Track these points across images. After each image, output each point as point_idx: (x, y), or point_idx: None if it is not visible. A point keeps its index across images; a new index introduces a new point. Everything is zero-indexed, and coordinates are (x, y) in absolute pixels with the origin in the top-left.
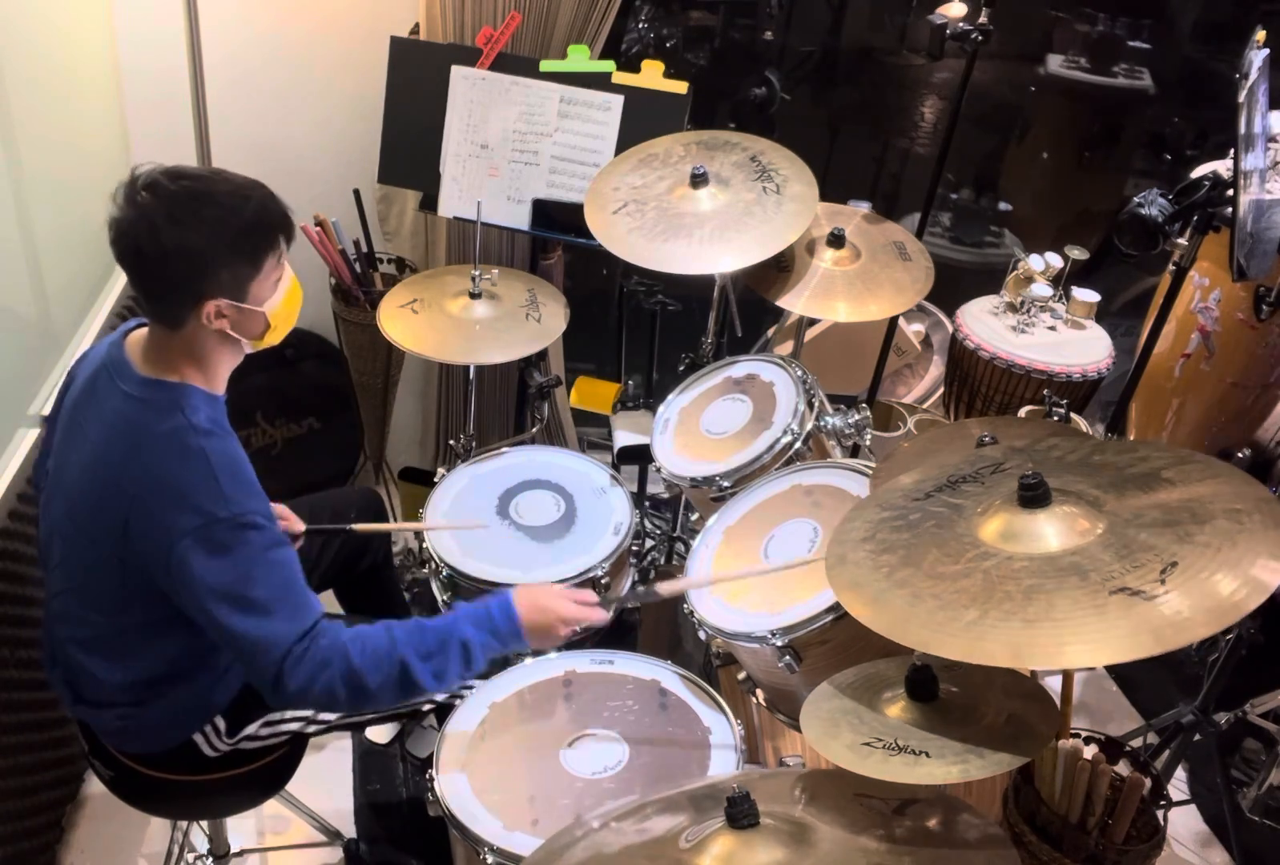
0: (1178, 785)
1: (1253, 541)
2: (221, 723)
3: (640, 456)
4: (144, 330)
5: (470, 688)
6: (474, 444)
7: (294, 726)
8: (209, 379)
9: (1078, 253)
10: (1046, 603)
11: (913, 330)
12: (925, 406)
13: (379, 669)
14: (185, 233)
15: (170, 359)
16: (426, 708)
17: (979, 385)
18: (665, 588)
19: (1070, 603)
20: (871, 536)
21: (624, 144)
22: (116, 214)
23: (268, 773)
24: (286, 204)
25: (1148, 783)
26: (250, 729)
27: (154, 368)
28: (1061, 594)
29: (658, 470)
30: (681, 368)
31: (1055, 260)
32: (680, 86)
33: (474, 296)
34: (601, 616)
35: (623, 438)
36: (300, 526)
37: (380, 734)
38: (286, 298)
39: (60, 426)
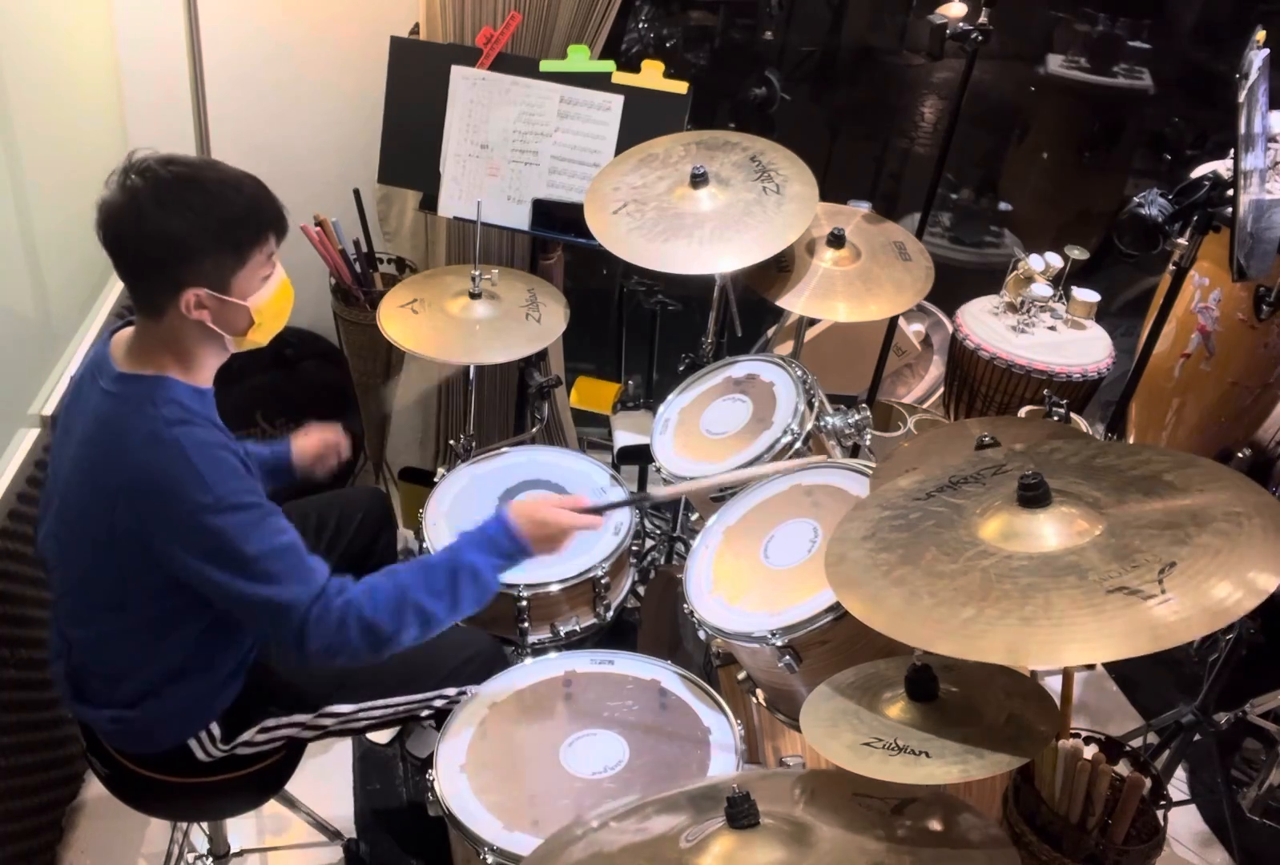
0: (1178, 785)
1: (1251, 545)
2: (217, 729)
3: (640, 456)
4: (130, 329)
5: (466, 693)
6: (474, 444)
7: (289, 733)
8: (191, 372)
9: (1078, 253)
10: (1044, 601)
11: (913, 330)
12: (925, 406)
13: (395, 617)
14: (169, 217)
15: (150, 351)
16: (425, 713)
17: (979, 385)
18: (661, 492)
19: (1067, 601)
20: (872, 535)
21: (624, 144)
22: (106, 196)
23: (264, 776)
24: (281, 202)
25: (1148, 783)
26: (245, 735)
27: (132, 362)
28: (1059, 593)
29: (658, 470)
30: (681, 368)
31: (1055, 260)
32: (680, 86)
33: (474, 296)
34: (598, 523)
35: (623, 438)
36: (343, 438)
37: (380, 734)
38: (275, 296)
39: (56, 429)
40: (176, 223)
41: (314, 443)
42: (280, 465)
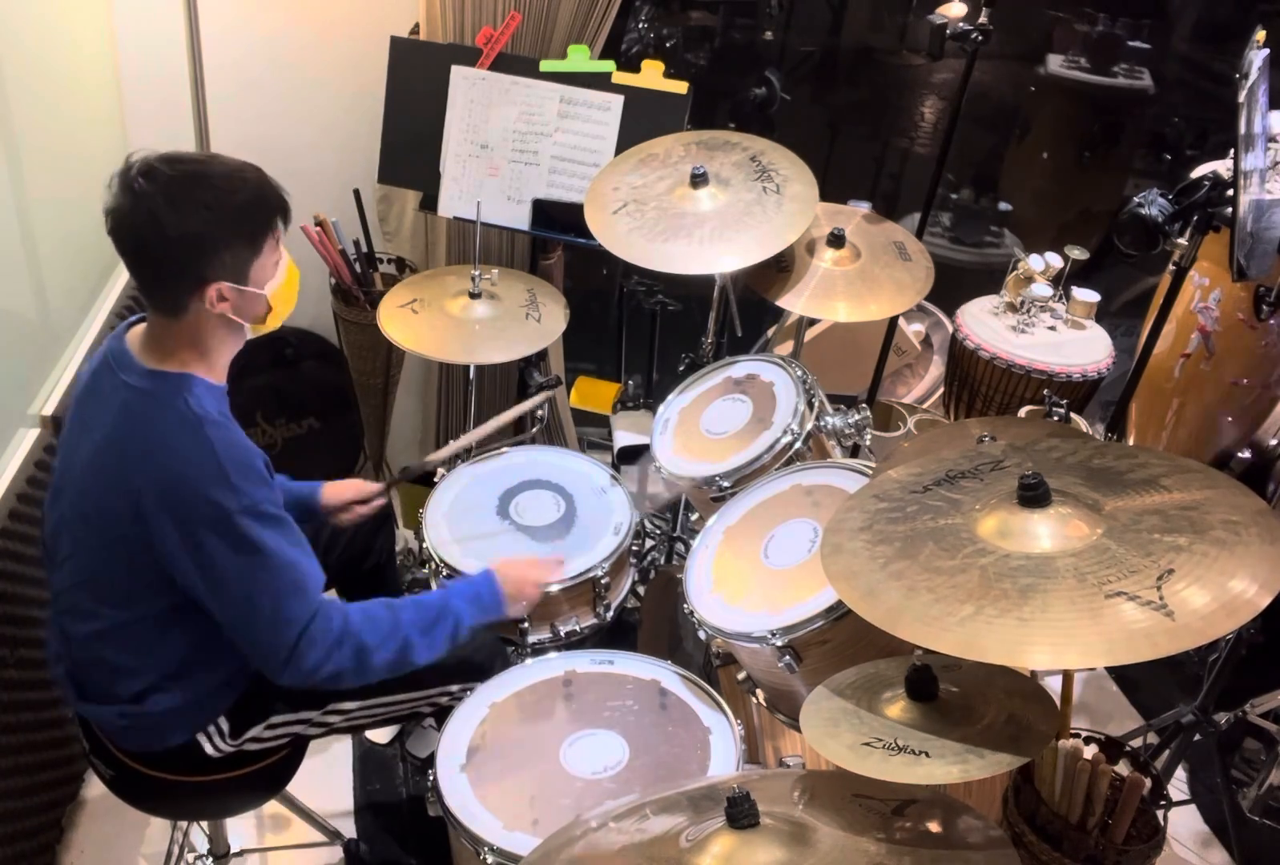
0: (1178, 785)
1: (1248, 554)
2: (225, 724)
3: (640, 456)
4: (144, 324)
5: (470, 689)
6: (474, 444)
7: (296, 729)
8: (211, 367)
9: (1078, 253)
10: (1042, 603)
11: (913, 330)
12: (925, 406)
13: (385, 647)
14: (185, 217)
15: (171, 348)
16: (426, 710)
17: (979, 385)
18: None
19: (1066, 604)
20: (869, 527)
21: (624, 144)
22: (114, 202)
23: (269, 773)
24: (282, 187)
25: (1148, 783)
26: (253, 731)
27: (156, 358)
28: (1057, 595)
29: (658, 470)
30: (681, 368)
31: (1055, 260)
32: (680, 86)
33: (474, 296)
34: (560, 573)
35: (623, 438)
36: (375, 486)
37: (380, 734)
38: (286, 280)
39: (66, 424)
40: (193, 221)
41: (347, 489)
42: (306, 504)
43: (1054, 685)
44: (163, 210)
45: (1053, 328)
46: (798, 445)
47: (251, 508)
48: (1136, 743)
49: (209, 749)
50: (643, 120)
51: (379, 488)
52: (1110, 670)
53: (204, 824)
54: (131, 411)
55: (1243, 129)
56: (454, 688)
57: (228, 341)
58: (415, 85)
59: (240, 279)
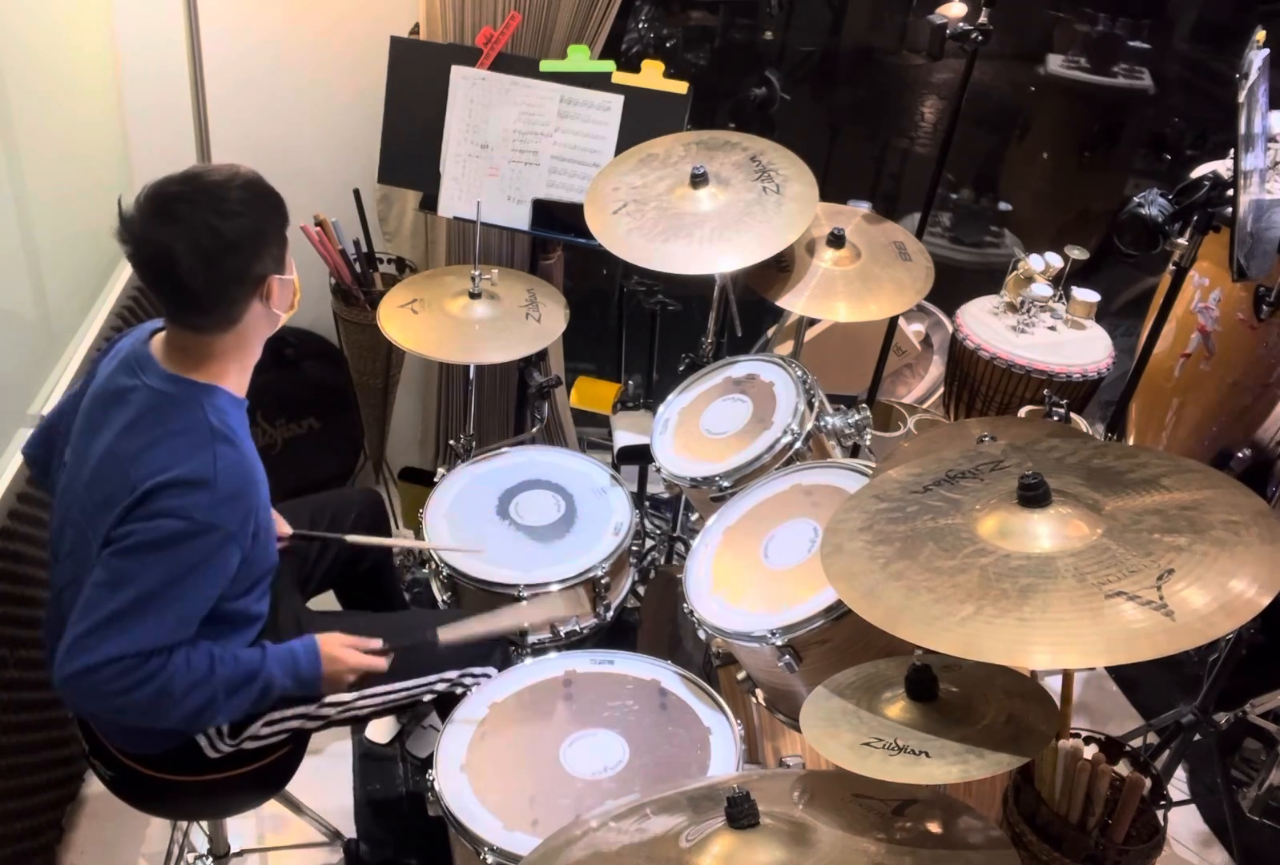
0: (1178, 785)
1: (1248, 554)
2: (224, 724)
3: (640, 456)
4: (163, 335)
5: (481, 676)
6: (474, 444)
7: (294, 724)
8: (243, 376)
9: (1078, 253)
10: (1042, 603)
11: (913, 330)
12: (925, 406)
13: (190, 697)
14: (238, 220)
15: (207, 361)
16: (427, 698)
17: (979, 385)
18: (450, 634)
19: (1066, 604)
20: (869, 527)
21: (624, 144)
22: (153, 239)
23: (269, 772)
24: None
25: (1148, 783)
26: (252, 729)
27: (183, 367)
28: (1057, 595)
29: (658, 470)
30: (681, 368)
31: (1055, 260)
32: (680, 86)
33: (474, 296)
34: (382, 665)
35: (623, 438)
36: (287, 529)
37: (380, 734)
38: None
39: (81, 418)
40: (245, 221)
41: None
42: None
43: (1054, 685)
44: (218, 221)
45: (1053, 328)
46: (798, 445)
47: (210, 526)
48: (1136, 743)
49: (209, 750)
50: (643, 120)
51: (286, 532)
52: (1110, 670)
53: (204, 824)
54: (148, 413)
55: (1243, 129)
56: (452, 674)
57: (262, 341)
58: (415, 85)
59: (281, 269)
